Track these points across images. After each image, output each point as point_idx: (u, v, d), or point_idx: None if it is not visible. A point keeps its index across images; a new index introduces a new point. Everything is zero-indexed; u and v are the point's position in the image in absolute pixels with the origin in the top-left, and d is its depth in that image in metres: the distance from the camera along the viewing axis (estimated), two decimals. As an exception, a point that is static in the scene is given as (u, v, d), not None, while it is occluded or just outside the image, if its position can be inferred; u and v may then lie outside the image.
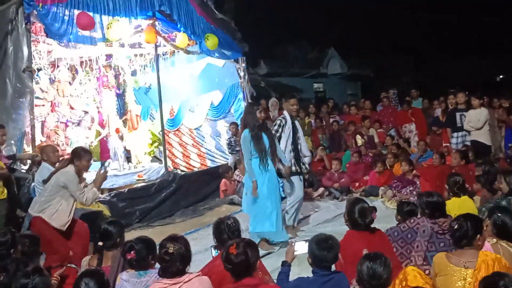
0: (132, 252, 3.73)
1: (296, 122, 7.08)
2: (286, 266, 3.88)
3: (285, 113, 6.97)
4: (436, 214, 4.47)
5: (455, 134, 9.50)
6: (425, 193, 4.76)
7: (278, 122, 6.89)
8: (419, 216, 4.80)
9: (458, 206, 5.44)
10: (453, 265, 3.60)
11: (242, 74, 10.94)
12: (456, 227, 3.70)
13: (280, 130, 6.80)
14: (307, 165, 7.15)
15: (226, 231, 4.19)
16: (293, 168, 6.83)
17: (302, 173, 7.02)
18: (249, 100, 10.81)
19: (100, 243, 4.39)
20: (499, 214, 4.08)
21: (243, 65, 10.95)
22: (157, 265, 3.80)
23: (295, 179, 6.89)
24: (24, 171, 7.13)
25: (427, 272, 3.93)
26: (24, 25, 6.97)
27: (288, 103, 7.00)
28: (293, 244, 3.94)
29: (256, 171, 6.25)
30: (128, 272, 3.77)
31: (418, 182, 8.41)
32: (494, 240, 4.02)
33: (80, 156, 5.62)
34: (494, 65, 25.93)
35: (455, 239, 3.74)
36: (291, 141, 6.82)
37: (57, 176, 5.49)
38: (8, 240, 4.28)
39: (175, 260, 3.37)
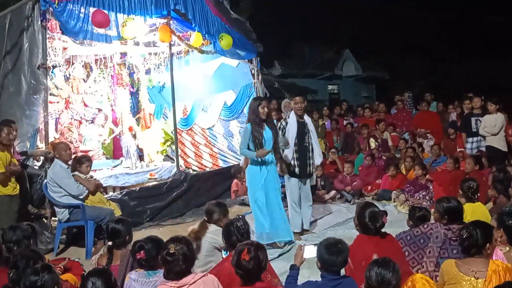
0: (141, 252, 3.73)
1: (308, 121, 6.90)
2: (294, 269, 3.85)
3: (291, 114, 6.85)
4: (454, 221, 4.39)
5: (470, 139, 9.40)
6: (444, 198, 4.67)
7: (279, 126, 6.77)
8: (432, 221, 4.75)
9: (471, 211, 5.38)
10: (462, 274, 3.53)
11: (255, 74, 10.91)
12: (465, 235, 3.64)
13: (283, 134, 6.71)
14: (312, 170, 6.96)
15: (235, 233, 4.19)
16: (296, 169, 6.73)
17: (302, 177, 6.83)
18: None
19: (110, 243, 4.39)
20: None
21: (257, 65, 10.93)
22: None
23: (294, 181, 6.80)
24: (37, 168, 7.17)
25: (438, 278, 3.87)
26: (40, 22, 6.99)
27: (293, 101, 6.90)
28: (302, 247, 3.91)
29: (253, 167, 6.29)
30: (137, 272, 3.77)
31: (431, 187, 8.33)
32: (507, 248, 3.96)
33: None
34: (502, 68, 25.57)
35: (464, 248, 3.67)
36: (294, 142, 6.70)
37: None
38: (31, 235, 4.33)
39: (178, 260, 3.35)
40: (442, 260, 4.08)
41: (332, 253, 3.54)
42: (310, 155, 6.85)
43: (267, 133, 6.28)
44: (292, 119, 6.79)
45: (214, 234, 4.87)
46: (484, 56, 25.74)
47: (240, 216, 4.63)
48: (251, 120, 6.30)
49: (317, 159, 6.94)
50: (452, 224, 4.33)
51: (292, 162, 6.73)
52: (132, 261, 3.94)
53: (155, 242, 3.83)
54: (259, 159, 6.25)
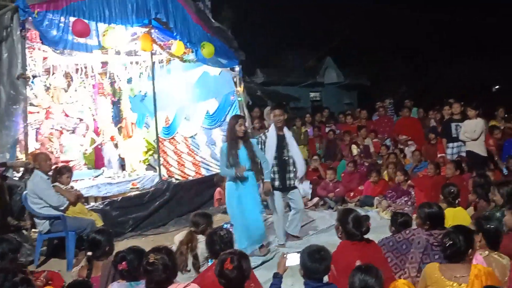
0: (123, 263, 3.69)
1: (287, 135, 6.91)
2: (277, 278, 3.83)
3: (271, 127, 6.87)
4: (435, 226, 4.43)
5: (450, 145, 9.49)
6: (426, 204, 4.71)
7: (257, 140, 6.79)
8: (414, 227, 4.79)
9: (452, 216, 5.43)
10: (445, 278, 3.56)
11: (238, 82, 10.93)
12: (448, 243, 3.64)
13: (261, 147, 6.73)
14: (295, 181, 6.92)
15: (218, 242, 4.17)
16: (276, 183, 6.75)
17: (283, 190, 6.84)
18: (245, 109, 10.81)
19: (89, 253, 4.34)
20: (492, 225, 4.07)
21: (239, 73, 10.95)
22: None
23: (276, 194, 6.81)
24: (17, 179, 7.08)
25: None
26: (19, 32, 6.90)
27: (273, 113, 6.93)
28: (285, 255, 3.91)
29: (229, 185, 6.34)
30: (119, 283, 3.73)
31: (413, 193, 8.40)
32: (486, 252, 4.00)
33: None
34: (493, 69, 25.88)
35: (447, 255, 3.68)
36: (273, 156, 6.72)
37: None
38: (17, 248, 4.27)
39: (158, 270, 3.34)
40: (424, 266, 4.11)
41: (315, 260, 3.55)
42: (291, 168, 6.85)
43: (242, 151, 6.30)
44: (271, 132, 6.82)
45: (203, 245, 4.83)
46: (475, 57, 25.97)
47: (224, 225, 4.62)
48: (228, 138, 6.38)
49: (300, 170, 6.90)
50: (434, 230, 4.37)
51: (272, 176, 6.73)
52: (113, 272, 3.89)
53: (137, 252, 3.79)
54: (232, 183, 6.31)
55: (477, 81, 24.84)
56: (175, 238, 5.48)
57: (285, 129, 6.94)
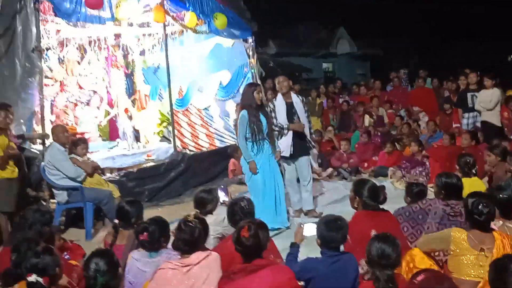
0: (145, 234, 3.74)
1: (295, 100, 6.82)
2: (294, 247, 3.89)
3: (278, 95, 6.85)
4: (451, 196, 4.42)
5: (465, 115, 9.41)
6: (445, 173, 4.69)
7: (268, 109, 6.73)
8: (430, 197, 4.80)
9: (468, 186, 5.41)
10: (471, 248, 3.56)
11: (251, 53, 10.87)
12: (485, 210, 3.58)
13: (273, 115, 6.69)
14: (312, 144, 6.96)
15: (239, 213, 4.21)
16: (283, 152, 6.72)
17: (297, 156, 6.80)
18: (258, 80, 10.76)
19: (116, 221, 4.40)
20: (504, 194, 4.07)
21: (252, 44, 10.88)
22: (169, 246, 3.84)
23: (287, 162, 6.83)
24: (36, 151, 7.18)
25: (436, 253, 3.91)
26: (32, 5, 6.91)
27: (277, 80, 6.92)
28: (302, 225, 3.94)
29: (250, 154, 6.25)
30: (140, 251, 3.80)
31: (427, 163, 8.37)
32: (500, 222, 4.01)
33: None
34: (506, 47, 25.52)
35: (482, 223, 3.61)
36: (285, 123, 6.69)
37: None
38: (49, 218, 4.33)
39: (191, 232, 3.46)
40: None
41: (331, 229, 3.58)
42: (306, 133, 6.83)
43: (263, 119, 6.29)
44: (279, 101, 6.79)
45: (212, 225, 4.66)
46: (488, 34, 25.64)
47: (244, 196, 4.61)
48: (247, 107, 6.27)
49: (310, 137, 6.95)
50: (450, 200, 4.37)
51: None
52: (137, 242, 3.96)
53: (159, 223, 3.84)
54: (255, 148, 6.24)
55: (492, 52, 24.48)
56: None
57: (293, 96, 6.88)
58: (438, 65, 22.83)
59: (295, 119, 6.74)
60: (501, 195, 4.05)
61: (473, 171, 5.79)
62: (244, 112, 6.26)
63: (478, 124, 9.11)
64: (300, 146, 6.77)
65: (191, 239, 3.47)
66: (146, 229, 3.75)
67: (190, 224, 3.49)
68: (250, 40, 10.81)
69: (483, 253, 3.51)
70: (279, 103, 6.76)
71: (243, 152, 6.31)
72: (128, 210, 4.36)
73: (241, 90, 10.72)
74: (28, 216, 4.24)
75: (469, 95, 9.32)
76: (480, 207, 3.60)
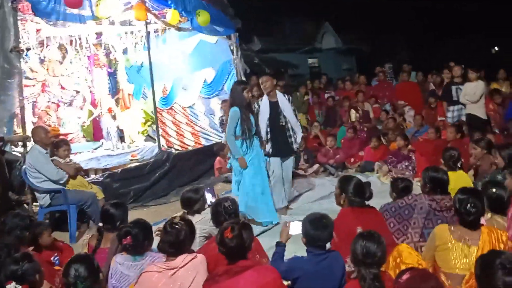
0: (128, 237, 3.67)
1: (281, 100, 6.77)
2: (280, 246, 3.84)
3: (264, 95, 6.81)
4: (436, 191, 4.40)
5: (450, 108, 9.45)
6: (432, 168, 4.68)
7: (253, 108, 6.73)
8: (415, 192, 4.78)
9: (454, 180, 5.40)
10: (455, 240, 3.55)
11: (235, 50, 10.81)
12: (472, 210, 3.55)
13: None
14: (295, 145, 6.89)
15: (223, 213, 4.16)
16: (270, 150, 6.71)
17: (279, 156, 6.78)
18: (242, 77, 10.71)
19: (100, 224, 4.33)
20: (494, 189, 4.06)
21: (236, 41, 10.82)
22: (154, 247, 3.77)
23: (271, 160, 6.78)
24: (17, 153, 7.05)
25: (423, 249, 3.89)
26: (10, 4, 6.77)
27: (260, 81, 6.85)
28: (288, 224, 3.90)
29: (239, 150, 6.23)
30: (123, 255, 3.73)
31: (413, 157, 8.38)
32: (489, 215, 4.00)
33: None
34: (490, 42, 25.70)
35: (470, 222, 3.59)
36: (266, 123, 6.67)
37: None
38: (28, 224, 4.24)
39: (176, 234, 3.39)
40: (426, 231, 4.12)
41: (317, 228, 3.54)
42: (290, 133, 6.78)
43: (251, 117, 6.30)
44: (264, 100, 6.76)
45: (199, 224, 4.62)
46: (473, 27, 25.77)
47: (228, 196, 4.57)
48: (238, 104, 6.22)
49: (297, 136, 6.87)
50: (436, 194, 4.35)
51: (269, 143, 6.73)
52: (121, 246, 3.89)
53: (142, 226, 3.77)
54: (246, 144, 6.23)
55: (475, 45, 24.62)
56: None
57: (279, 95, 6.82)
58: (428, 60, 22.98)
59: (281, 119, 6.71)
60: (491, 191, 4.04)
61: (458, 164, 5.78)
62: (236, 109, 6.20)
63: (463, 117, 9.14)
64: (283, 147, 6.75)
65: (176, 241, 3.40)
66: (129, 232, 3.67)
67: (176, 226, 3.43)
68: (233, 36, 10.76)
69: (466, 244, 3.50)
70: (264, 104, 6.74)
71: (232, 149, 6.27)
72: (113, 213, 4.28)
73: (225, 88, 10.73)
74: (7, 221, 4.15)
75: (453, 88, 9.35)
76: (468, 207, 3.58)
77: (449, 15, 26.35)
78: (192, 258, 3.40)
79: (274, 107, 6.71)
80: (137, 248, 3.69)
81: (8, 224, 4.13)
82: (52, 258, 4.27)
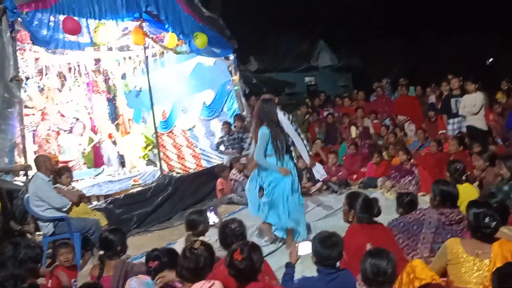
0: (156, 262, 3.66)
1: (283, 120, 6.46)
2: (290, 267, 3.80)
3: None
4: (447, 204, 4.36)
5: (450, 121, 9.45)
6: (441, 181, 4.65)
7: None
8: (420, 206, 4.74)
9: (461, 193, 5.37)
10: (468, 254, 3.50)
11: (233, 71, 10.85)
12: (492, 224, 3.52)
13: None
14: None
15: (230, 235, 4.11)
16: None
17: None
18: (242, 98, 10.73)
19: (101, 252, 4.29)
20: (498, 201, 4.04)
21: (234, 62, 10.86)
22: None
23: None
24: (19, 183, 7.01)
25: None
26: (8, 34, 6.80)
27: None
28: (296, 244, 3.86)
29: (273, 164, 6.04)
30: (139, 279, 3.70)
31: (416, 171, 8.33)
32: None
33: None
34: (485, 44, 25.83)
35: (488, 235, 3.55)
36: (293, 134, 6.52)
37: None
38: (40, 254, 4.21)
39: (196, 260, 3.31)
40: (436, 246, 4.07)
41: (326, 246, 3.51)
42: (291, 148, 6.63)
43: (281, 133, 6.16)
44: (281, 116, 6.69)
45: None
46: (464, 33, 25.89)
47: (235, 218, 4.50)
48: (268, 122, 6.02)
49: (303, 153, 6.74)
50: (444, 207, 4.31)
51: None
52: (125, 271, 3.84)
53: (172, 255, 3.75)
54: (279, 164, 6.03)
55: (469, 55, 24.76)
56: (176, 247, 5.27)
57: (279, 113, 6.52)
58: (422, 70, 23.06)
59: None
60: (493, 202, 4.01)
61: (464, 177, 5.74)
62: (265, 129, 5.98)
63: (464, 129, 9.12)
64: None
65: (196, 268, 3.32)
66: (158, 257, 3.68)
67: (196, 251, 3.34)
68: (231, 57, 10.80)
69: (478, 258, 3.46)
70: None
71: (267, 166, 6.03)
72: (112, 239, 4.26)
73: (225, 109, 10.73)
74: (17, 252, 4.11)
75: (452, 100, 9.37)
76: (486, 220, 3.54)
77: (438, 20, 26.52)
78: (210, 286, 3.31)
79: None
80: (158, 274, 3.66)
81: (20, 255, 4.09)
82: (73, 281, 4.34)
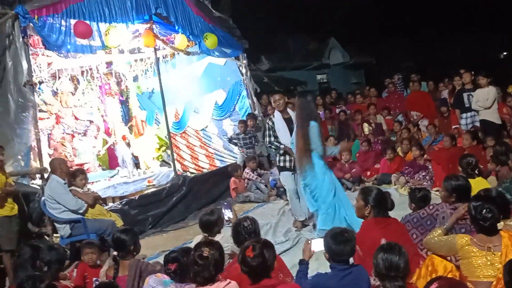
0: (174, 264, 3.70)
1: (293, 116, 6.69)
2: (304, 264, 3.81)
3: (276, 112, 6.84)
4: (461, 199, 4.34)
5: (463, 115, 9.38)
6: (452, 176, 4.61)
7: (267, 125, 6.84)
8: (434, 201, 4.73)
9: (473, 187, 5.34)
10: (478, 249, 3.50)
11: (244, 71, 10.88)
12: (488, 215, 3.52)
13: (271, 133, 6.77)
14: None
15: (243, 233, 4.14)
16: (287, 164, 6.76)
17: (292, 170, 6.77)
18: (253, 97, 10.77)
19: (115, 253, 4.34)
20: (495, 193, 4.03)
21: (245, 62, 10.90)
22: None
23: (287, 175, 6.84)
24: (35, 186, 7.11)
25: (448, 259, 3.83)
26: (21, 39, 6.90)
27: (272, 99, 6.88)
28: (309, 241, 3.87)
29: (319, 164, 6.17)
30: (157, 278, 3.77)
31: (430, 167, 8.30)
32: (502, 223, 3.96)
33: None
34: (497, 42, 25.62)
35: (487, 228, 3.55)
36: (289, 138, 6.64)
37: None
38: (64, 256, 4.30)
39: (209, 266, 3.30)
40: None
41: (339, 242, 3.52)
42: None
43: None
44: (277, 117, 6.78)
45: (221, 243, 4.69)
46: (476, 28, 25.70)
47: (248, 216, 4.52)
48: (314, 117, 6.25)
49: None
50: (458, 203, 4.29)
51: (282, 158, 6.79)
52: (140, 271, 3.89)
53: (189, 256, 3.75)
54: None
55: (481, 50, 24.58)
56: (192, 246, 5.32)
57: (290, 111, 6.84)
58: (433, 66, 22.91)
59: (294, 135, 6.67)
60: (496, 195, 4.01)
61: (476, 171, 5.71)
62: (314, 123, 6.19)
63: (477, 124, 9.06)
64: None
65: (209, 274, 3.33)
66: (177, 259, 3.72)
67: (205, 256, 3.33)
68: (242, 57, 10.83)
69: (490, 252, 3.46)
70: (278, 121, 6.75)
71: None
72: (124, 239, 4.31)
73: (237, 108, 10.77)
74: (43, 255, 4.20)
75: (465, 95, 9.30)
76: (483, 212, 3.55)
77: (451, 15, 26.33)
78: (226, 284, 3.34)
79: (288, 123, 6.72)
80: (177, 276, 3.70)
81: (46, 258, 4.16)
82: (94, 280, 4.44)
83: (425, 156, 8.52)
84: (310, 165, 6.12)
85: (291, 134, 6.64)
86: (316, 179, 6.17)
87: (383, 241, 3.75)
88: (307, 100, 6.35)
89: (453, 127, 9.74)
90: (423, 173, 8.24)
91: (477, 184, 5.48)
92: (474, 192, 4.96)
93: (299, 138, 6.19)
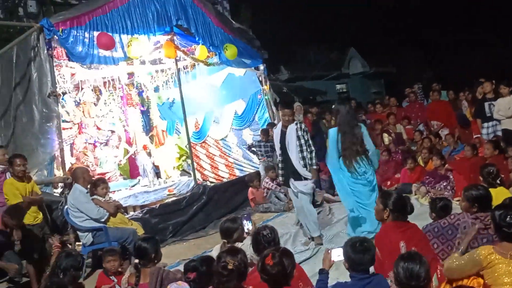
0: (194, 273, 3.73)
1: (289, 132, 6.56)
2: (324, 273, 3.81)
3: (279, 123, 6.86)
4: (483, 209, 4.31)
5: (485, 125, 9.28)
6: (473, 186, 4.57)
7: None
8: (454, 211, 4.70)
9: (494, 197, 5.29)
10: (501, 257, 3.47)
11: (263, 81, 10.94)
12: None
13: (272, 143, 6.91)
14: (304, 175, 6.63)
15: (262, 242, 4.17)
16: (280, 178, 6.81)
17: (287, 184, 6.75)
18: (273, 107, 10.81)
19: (136, 261, 4.39)
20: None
21: (264, 72, 10.96)
22: None
23: (288, 190, 6.91)
24: (58, 195, 7.23)
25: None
26: (46, 51, 7.08)
27: (282, 112, 6.75)
28: (329, 251, 3.88)
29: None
30: (178, 286, 3.81)
31: (451, 176, 8.22)
32: None
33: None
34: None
35: (510, 234, 3.52)
36: (278, 151, 6.68)
37: None
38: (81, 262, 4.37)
39: (234, 277, 3.31)
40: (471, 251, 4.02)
41: (358, 251, 3.52)
42: (289, 164, 6.60)
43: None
44: (278, 128, 6.79)
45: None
46: (494, 41, 25.50)
47: (267, 225, 4.54)
48: (358, 121, 6.64)
49: (295, 165, 6.55)
50: (480, 213, 4.25)
51: (278, 171, 6.88)
52: (161, 279, 3.93)
53: (210, 264, 3.76)
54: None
55: (500, 60, 24.33)
56: (212, 255, 5.34)
57: (290, 125, 6.62)
58: (453, 76, 22.72)
59: (286, 147, 6.60)
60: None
61: (498, 180, 5.66)
62: (363, 126, 6.63)
63: (499, 133, 8.96)
64: (291, 175, 6.62)
65: (232, 283, 3.35)
66: (196, 269, 3.74)
67: (228, 266, 3.34)
68: (261, 67, 10.90)
69: None
70: (276, 132, 6.80)
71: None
72: (145, 247, 4.34)
73: (256, 118, 10.82)
74: (60, 261, 4.26)
75: (486, 104, 9.20)
76: (508, 219, 3.49)
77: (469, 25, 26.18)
78: None
79: (283, 136, 6.64)
80: (197, 285, 3.72)
81: (62, 264, 4.23)
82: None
83: (446, 166, 8.44)
84: (368, 165, 6.53)
85: (281, 147, 6.62)
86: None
87: (402, 244, 3.75)
88: (349, 105, 6.59)
89: (475, 136, 9.66)
90: (444, 183, 8.16)
91: (499, 194, 5.43)
92: (495, 201, 4.94)
93: (351, 142, 6.42)
